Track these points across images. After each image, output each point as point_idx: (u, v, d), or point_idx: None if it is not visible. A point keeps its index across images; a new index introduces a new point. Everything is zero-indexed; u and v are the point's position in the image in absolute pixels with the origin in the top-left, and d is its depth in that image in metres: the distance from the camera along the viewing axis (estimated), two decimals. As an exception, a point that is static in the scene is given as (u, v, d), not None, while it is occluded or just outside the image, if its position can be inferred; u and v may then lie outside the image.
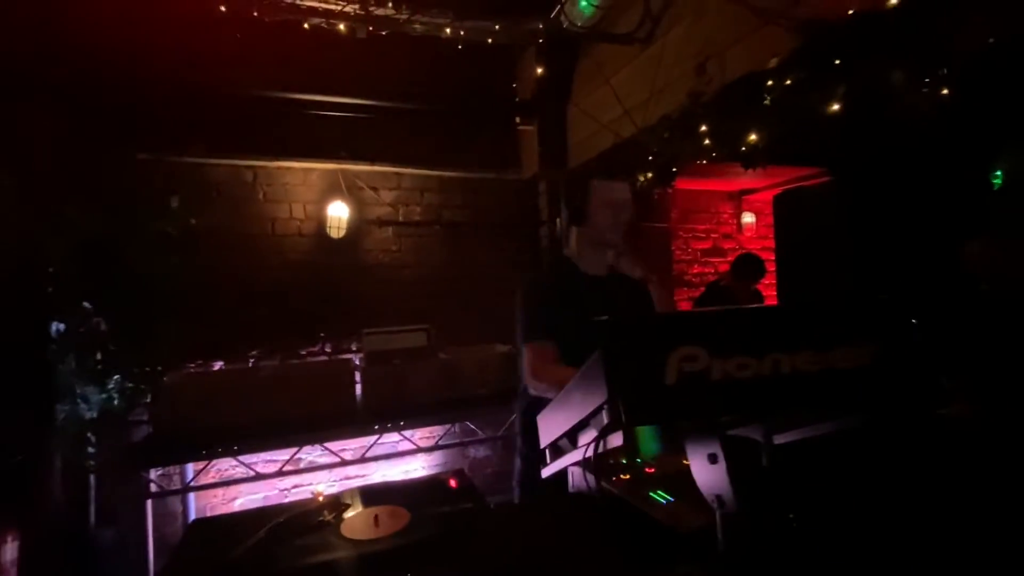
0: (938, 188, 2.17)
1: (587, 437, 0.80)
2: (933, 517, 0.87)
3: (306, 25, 2.48)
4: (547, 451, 1.08)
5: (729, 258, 4.30)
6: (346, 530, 1.14)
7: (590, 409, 0.69)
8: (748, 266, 3.54)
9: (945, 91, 1.65)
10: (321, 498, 1.31)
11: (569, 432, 0.86)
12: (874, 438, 0.88)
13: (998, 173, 2.00)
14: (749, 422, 0.68)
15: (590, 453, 0.71)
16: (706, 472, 0.72)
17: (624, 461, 1.20)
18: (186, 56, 2.80)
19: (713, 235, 4.88)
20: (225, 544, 1.07)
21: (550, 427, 0.97)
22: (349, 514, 1.22)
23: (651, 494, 1.06)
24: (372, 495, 1.32)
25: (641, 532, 0.96)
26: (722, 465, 0.69)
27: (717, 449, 0.69)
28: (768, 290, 4.25)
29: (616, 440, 0.68)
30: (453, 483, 1.41)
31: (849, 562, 0.81)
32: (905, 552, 0.82)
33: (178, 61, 2.79)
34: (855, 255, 2.65)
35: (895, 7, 1.58)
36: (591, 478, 1.02)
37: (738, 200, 4.91)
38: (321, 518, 1.19)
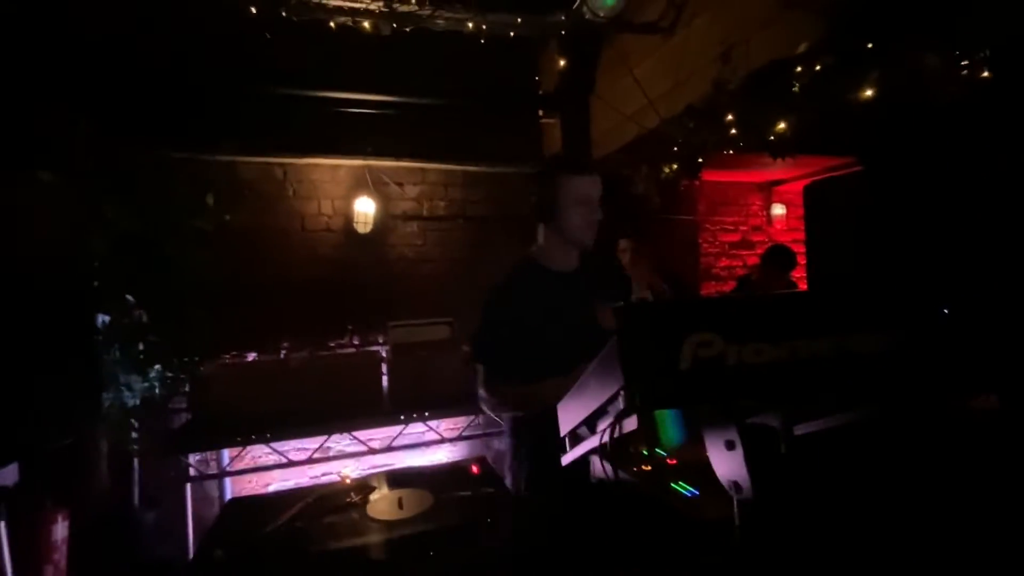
0: (977, 177, 2.08)
1: (605, 424, 0.80)
2: (953, 511, 0.85)
3: (332, 24, 2.53)
4: (566, 439, 1.09)
5: (758, 251, 4.21)
6: (372, 511, 1.18)
7: (607, 395, 0.70)
8: (778, 257, 3.46)
9: (985, 74, 1.58)
10: (348, 480, 1.36)
11: (588, 420, 0.87)
12: (898, 429, 0.86)
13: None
14: (766, 408, 0.67)
15: (606, 439, 0.72)
16: (723, 459, 0.72)
17: (645, 452, 1.20)
18: (217, 58, 2.90)
19: (742, 227, 4.78)
20: (258, 522, 1.12)
21: (569, 415, 0.98)
22: (375, 496, 1.26)
23: (672, 485, 1.06)
24: (397, 479, 1.36)
25: (661, 521, 0.97)
26: (739, 451, 0.69)
27: (734, 435, 0.69)
28: (800, 284, 4.14)
29: (631, 425, 0.68)
30: (475, 469, 1.44)
31: (865, 552, 0.80)
32: (922, 545, 0.80)
33: (210, 63, 2.89)
34: (889, 247, 2.56)
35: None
36: (609, 465, 1.02)
37: (768, 191, 4.80)
38: (349, 499, 1.23)
